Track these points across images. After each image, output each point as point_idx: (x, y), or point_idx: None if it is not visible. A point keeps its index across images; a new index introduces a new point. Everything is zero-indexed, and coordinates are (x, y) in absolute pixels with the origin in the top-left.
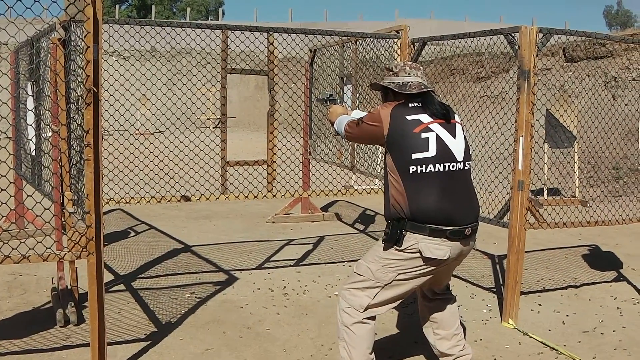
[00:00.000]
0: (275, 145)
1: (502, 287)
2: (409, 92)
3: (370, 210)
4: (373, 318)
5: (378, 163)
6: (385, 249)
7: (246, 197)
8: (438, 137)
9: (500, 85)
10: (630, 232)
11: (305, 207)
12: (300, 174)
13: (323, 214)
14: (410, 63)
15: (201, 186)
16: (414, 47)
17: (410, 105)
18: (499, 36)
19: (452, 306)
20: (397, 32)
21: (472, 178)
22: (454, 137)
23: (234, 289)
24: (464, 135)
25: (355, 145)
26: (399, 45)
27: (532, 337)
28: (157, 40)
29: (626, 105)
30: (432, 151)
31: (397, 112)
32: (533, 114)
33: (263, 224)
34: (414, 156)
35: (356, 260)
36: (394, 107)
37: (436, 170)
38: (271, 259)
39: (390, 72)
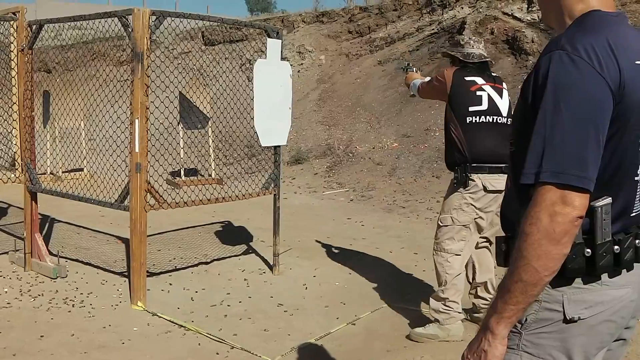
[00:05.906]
0: None
1: None
2: (471, 62)
3: (3, 203)
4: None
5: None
6: (456, 194)
7: None
8: (489, 96)
9: None
10: (261, 206)
11: None
12: None
13: None
14: (475, 38)
15: None
16: (31, 30)
17: (468, 69)
18: (113, 19)
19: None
20: (14, 14)
21: None
22: (501, 98)
23: None
24: (509, 99)
25: None
26: (15, 28)
27: (160, 317)
28: None
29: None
30: (485, 105)
31: (458, 73)
32: (147, 95)
33: None
34: (471, 109)
35: None
36: (455, 70)
37: (487, 121)
38: None
39: (459, 45)
